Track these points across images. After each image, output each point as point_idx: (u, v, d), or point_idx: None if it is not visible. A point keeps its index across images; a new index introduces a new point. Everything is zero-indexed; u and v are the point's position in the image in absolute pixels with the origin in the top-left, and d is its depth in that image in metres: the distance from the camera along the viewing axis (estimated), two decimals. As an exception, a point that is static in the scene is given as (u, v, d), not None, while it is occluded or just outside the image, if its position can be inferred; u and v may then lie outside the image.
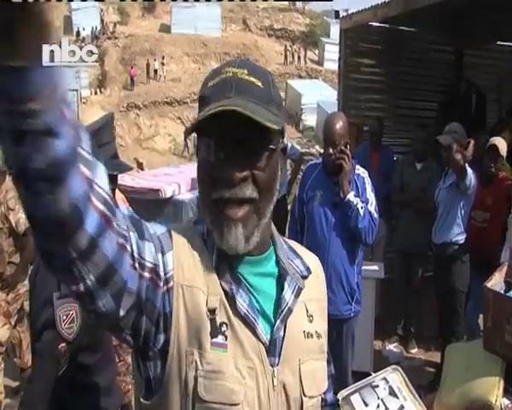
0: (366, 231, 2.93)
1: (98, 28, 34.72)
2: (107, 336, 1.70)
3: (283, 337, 0.94)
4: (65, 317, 1.48)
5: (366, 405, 2.36)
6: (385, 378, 2.47)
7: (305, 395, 0.96)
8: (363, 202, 2.93)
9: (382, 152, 5.10)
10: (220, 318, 0.88)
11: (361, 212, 2.89)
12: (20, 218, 3.73)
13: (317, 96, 27.95)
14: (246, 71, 0.91)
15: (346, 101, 5.71)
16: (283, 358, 0.93)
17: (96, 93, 31.41)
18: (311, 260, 1.10)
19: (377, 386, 2.43)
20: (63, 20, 35.72)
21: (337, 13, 6.13)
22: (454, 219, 3.83)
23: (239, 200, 0.89)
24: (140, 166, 15.24)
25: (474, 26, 5.22)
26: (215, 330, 0.87)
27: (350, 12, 5.99)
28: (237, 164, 0.88)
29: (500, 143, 3.94)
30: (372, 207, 2.95)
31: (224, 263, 0.92)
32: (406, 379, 2.59)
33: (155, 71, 32.43)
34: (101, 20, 35.62)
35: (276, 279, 0.98)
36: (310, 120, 28.98)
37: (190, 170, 6.54)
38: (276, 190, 0.95)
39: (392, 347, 4.69)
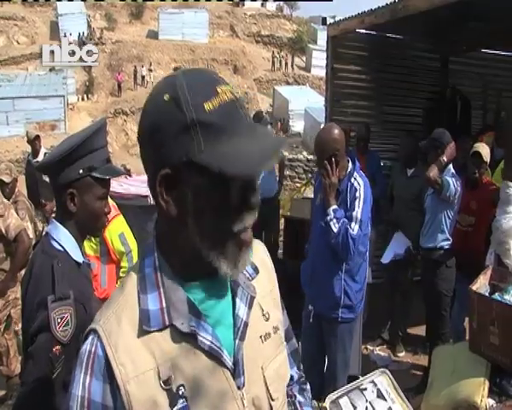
0: (339, 248, 2.82)
1: (85, 34, 34.52)
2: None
3: (243, 354, 0.92)
4: (59, 320, 1.48)
5: (355, 407, 2.39)
6: (373, 381, 2.51)
7: (272, 400, 0.97)
8: (341, 218, 2.83)
9: (369, 157, 5.15)
10: (176, 381, 0.85)
11: (333, 228, 2.81)
12: (10, 224, 3.70)
13: (305, 103, 28.04)
14: (230, 87, 0.87)
15: (333, 107, 5.75)
16: (247, 375, 0.92)
17: (83, 99, 31.20)
18: (255, 249, 1.04)
19: (365, 389, 2.47)
20: (50, 25, 35.57)
21: (324, 20, 6.21)
22: (439, 226, 3.88)
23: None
24: (128, 173, 15.17)
25: (459, 34, 5.31)
26: (174, 399, 0.84)
27: (337, 19, 6.05)
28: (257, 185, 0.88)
29: (483, 149, 4.02)
30: (355, 224, 2.82)
31: (182, 296, 0.88)
32: (394, 382, 2.63)
33: (143, 77, 32.33)
34: (89, 26, 35.45)
35: (229, 294, 0.95)
36: (297, 126, 29.06)
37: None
38: None
39: (380, 351, 4.73)
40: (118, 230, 3.53)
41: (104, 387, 0.84)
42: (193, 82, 0.85)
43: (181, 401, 0.84)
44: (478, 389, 2.39)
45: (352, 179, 2.92)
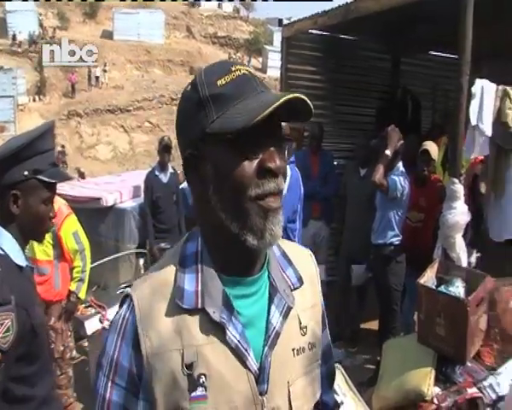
0: None
1: (36, 32, 33.45)
2: (44, 346, 1.66)
3: (271, 362, 0.90)
4: (0, 326, 1.43)
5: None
6: (326, 376, 2.54)
7: None
8: None
9: (322, 156, 5.21)
10: (199, 369, 0.85)
11: None
12: None
13: (262, 103, 28.22)
14: (246, 66, 0.90)
15: (287, 107, 5.79)
16: (272, 384, 0.90)
17: (34, 100, 30.24)
18: (303, 259, 1.06)
19: (318, 384, 2.50)
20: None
21: (280, 21, 6.24)
22: (388, 223, 3.97)
23: (280, 191, 0.87)
24: (82, 176, 14.89)
25: (409, 35, 5.45)
26: (193, 385, 0.84)
27: (292, 20, 6.10)
28: (281, 154, 0.87)
29: (432, 147, 4.15)
30: None
31: (218, 286, 0.88)
32: (346, 377, 2.68)
33: (97, 78, 31.65)
34: (40, 25, 34.38)
35: (266, 299, 0.93)
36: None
37: (132, 178, 6.45)
38: None
39: (335, 347, 4.79)
40: (71, 228, 3.56)
41: (131, 353, 0.86)
42: (210, 68, 0.91)
43: (200, 389, 0.85)
44: (425, 379, 2.47)
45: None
